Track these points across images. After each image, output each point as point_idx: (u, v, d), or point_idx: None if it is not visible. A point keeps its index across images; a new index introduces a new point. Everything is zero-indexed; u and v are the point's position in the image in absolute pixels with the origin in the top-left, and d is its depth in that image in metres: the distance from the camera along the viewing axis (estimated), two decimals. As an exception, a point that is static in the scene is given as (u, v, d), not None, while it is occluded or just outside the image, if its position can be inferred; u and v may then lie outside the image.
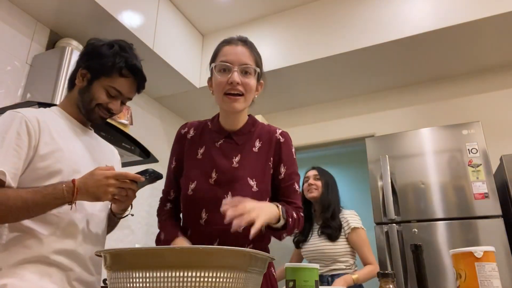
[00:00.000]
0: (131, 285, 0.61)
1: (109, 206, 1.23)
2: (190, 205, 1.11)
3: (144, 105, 3.38)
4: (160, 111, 3.60)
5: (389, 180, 2.46)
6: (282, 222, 1.05)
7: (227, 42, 1.15)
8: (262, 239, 1.13)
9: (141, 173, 1.08)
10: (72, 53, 2.35)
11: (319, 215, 2.25)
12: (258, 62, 1.15)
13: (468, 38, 2.70)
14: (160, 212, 1.24)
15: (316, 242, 2.18)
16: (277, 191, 1.18)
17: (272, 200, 1.16)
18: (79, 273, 1.09)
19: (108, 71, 1.14)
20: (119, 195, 1.04)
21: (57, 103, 2.16)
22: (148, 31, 2.79)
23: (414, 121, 3.18)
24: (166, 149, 3.53)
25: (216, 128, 1.19)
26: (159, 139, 3.49)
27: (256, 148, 1.16)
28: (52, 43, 2.53)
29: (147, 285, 0.60)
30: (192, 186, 1.11)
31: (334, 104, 3.60)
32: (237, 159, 1.13)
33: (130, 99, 1.22)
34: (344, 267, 2.10)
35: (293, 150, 1.23)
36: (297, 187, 1.18)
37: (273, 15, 3.32)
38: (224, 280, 0.61)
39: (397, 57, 2.93)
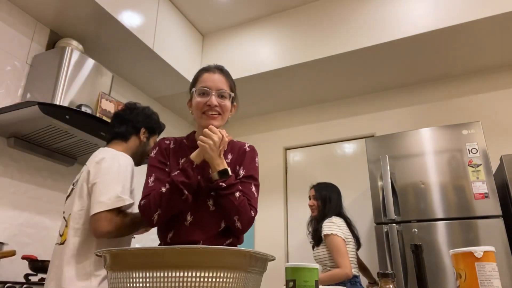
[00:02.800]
0: (131, 285, 0.61)
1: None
2: None
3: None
4: (160, 111, 3.60)
5: (389, 180, 2.46)
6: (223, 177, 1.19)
7: (206, 70, 1.33)
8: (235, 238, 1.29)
9: None
10: (72, 53, 2.35)
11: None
12: (232, 87, 1.34)
13: (468, 38, 2.70)
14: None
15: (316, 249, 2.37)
16: None
17: None
18: None
19: (158, 132, 1.71)
20: None
21: (57, 103, 2.18)
22: (148, 31, 2.79)
23: (414, 121, 3.18)
24: (166, 149, 3.52)
25: (194, 145, 1.31)
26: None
27: (229, 160, 1.32)
28: (52, 43, 2.53)
29: (147, 285, 0.60)
30: None
31: (334, 104, 3.60)
32: None
33: None
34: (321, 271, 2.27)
35: (257, 160, 1.37)
36: (254, 189, 1.28)
37: (273, 15, 3.32)
38: (224, 280, 0.61)
39: (397, 57, 2.93)
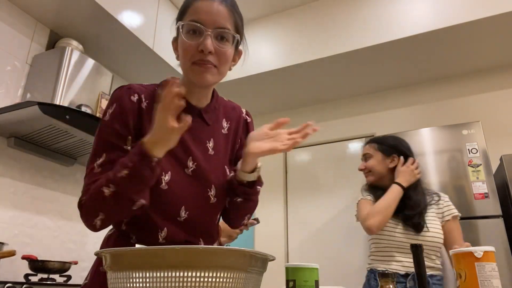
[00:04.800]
0: (131, 285, 0.61)
1: None
2: (165, 201, 0.87)
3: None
4: (160, 111, 3.60)
5: (389, 180, 2.45)
6: (255, 175, 0.91)
7: None
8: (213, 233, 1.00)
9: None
10: (72, 53, 2.35)
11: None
12: (238, 26, 0.96)
13: (468, 38, 2.70)
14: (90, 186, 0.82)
15: (434, 227, 1.63)
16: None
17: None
18: None
19: None
20: None
21: (57, 103, 2.18)
22: (148, 31, 2.79)
23: (414, 121, 3.18)
24: (166, 149, 3.53)
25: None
26: (159, 139, 3.49)
27: (225, 130, 0.99)
28: (52, 43, 2.53)
29: (147, 285, 0.60)
30: (166, 178, 0.86)
31: (334, 104, 3.60)
32: (211, 144, 0.95)
33: None
34: (440, 266, 1.64)
35: None
36: None
37: (273, 15, 3.32)
38: (224, 280, 0.61)
39: (398, 57, 2.93)
